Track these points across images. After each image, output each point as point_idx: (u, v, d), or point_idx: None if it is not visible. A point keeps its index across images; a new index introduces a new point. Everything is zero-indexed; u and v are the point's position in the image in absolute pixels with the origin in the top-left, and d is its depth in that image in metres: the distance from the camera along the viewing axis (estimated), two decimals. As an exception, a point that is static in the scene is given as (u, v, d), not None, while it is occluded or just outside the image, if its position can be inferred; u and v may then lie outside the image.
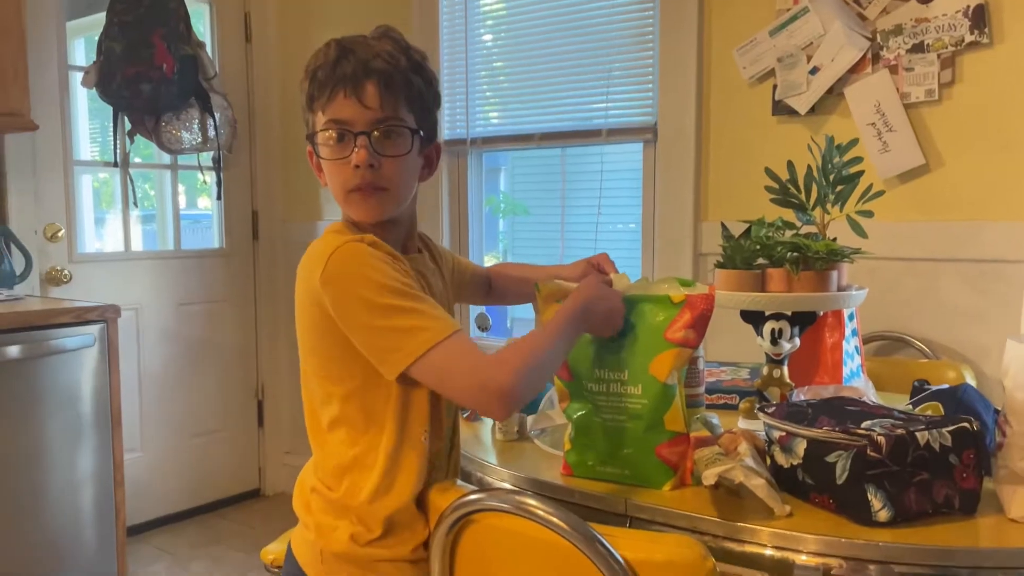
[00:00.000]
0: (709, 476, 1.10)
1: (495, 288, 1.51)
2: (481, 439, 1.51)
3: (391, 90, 1.12)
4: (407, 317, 1.04)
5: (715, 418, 1.44)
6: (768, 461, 1.19)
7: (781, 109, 2.25)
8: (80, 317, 2.34)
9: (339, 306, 1.06)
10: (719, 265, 1.49)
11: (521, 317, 2.88)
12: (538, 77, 2.77)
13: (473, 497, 1.02)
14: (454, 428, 1.25)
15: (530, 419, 1.51)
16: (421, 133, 1.16)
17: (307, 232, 3.39)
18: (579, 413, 1.26)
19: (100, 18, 2.90)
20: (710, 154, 2.41)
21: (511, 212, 3.15)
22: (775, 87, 2.25)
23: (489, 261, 3.11)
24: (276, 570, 1.51)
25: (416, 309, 1.06)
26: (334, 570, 1.14)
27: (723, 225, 1.57)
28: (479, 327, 2.99)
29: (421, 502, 1.15)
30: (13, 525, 2.20)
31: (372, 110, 1.11)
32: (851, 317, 1.66)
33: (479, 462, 1.38)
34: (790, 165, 1.51)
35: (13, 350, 2.18)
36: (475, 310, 3.02)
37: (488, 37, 2.90)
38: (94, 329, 2.37)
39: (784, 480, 1.14)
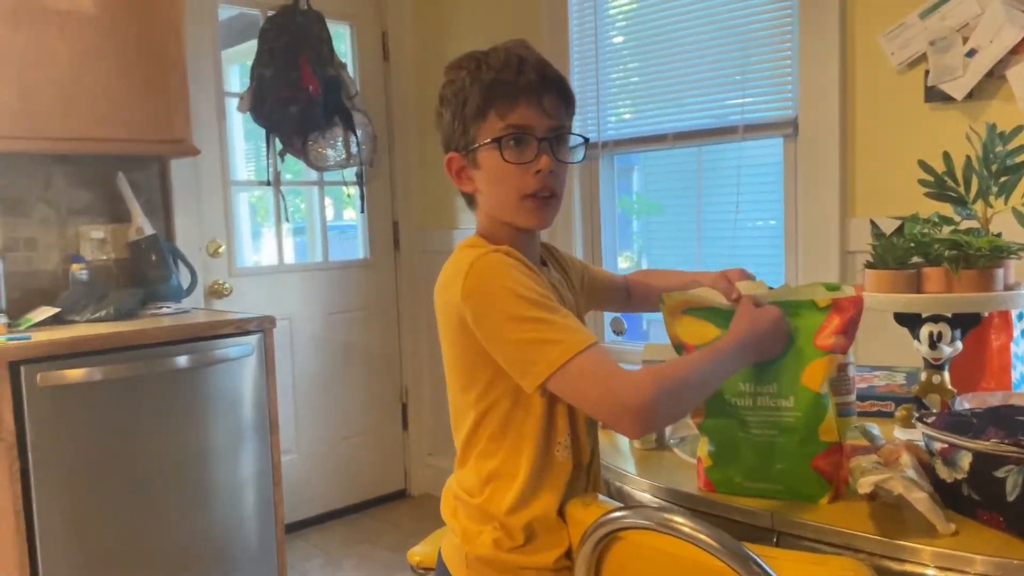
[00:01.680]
0: (864, 484, 1.05)
1: (634, 296, 1.50)
2: (619, 448, 1.50)
3: (565, 99, 1.17)
4: (545, 329, 1.05)
5: (875, 428, 1.36)
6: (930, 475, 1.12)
7: (935, 96, 2.11)
8: (240, 328, 2.50)
9: (480, 319, 1.08)
10: (869, 265, 1.42)
11: (658, 319, 2.83)
12: (671, 75, 2.72)
13: (616, 515, 1.00)
14: (594, 440, 1.25)
15: (668, 428, 1.49)
16: (587, 140, 1.19)
17: (444, 240, 3.48)
18: (720, 428, 1.23)
19: (252, 45, 3.09)
20: (856, 147, 2.29)
21: (645, 212, 3.11)
22: (927, 73, 2.11)
23: (623, 263, 3.08)
24: (422, 571, 1.55)
25: (554, 321, 1.06)
26: (479, 574, 1.16)
27: (872, 223, 1.49)
28: (614, 331, 2.98)
29: (562, 512, 1.15)
30: (183, 522, 2.38)
31: (551, 118, 1.15)
32: (1020, 317, 1.53)
33: (617, 471, 1.37)
34: (946, 156, 1.42)
35: (182, 360, 2.35)
36: (609, 313, 3.00)
37: (619, 38, 2.88)
38: (253, 339, 2.52)
39: (947, 495, 1.07)
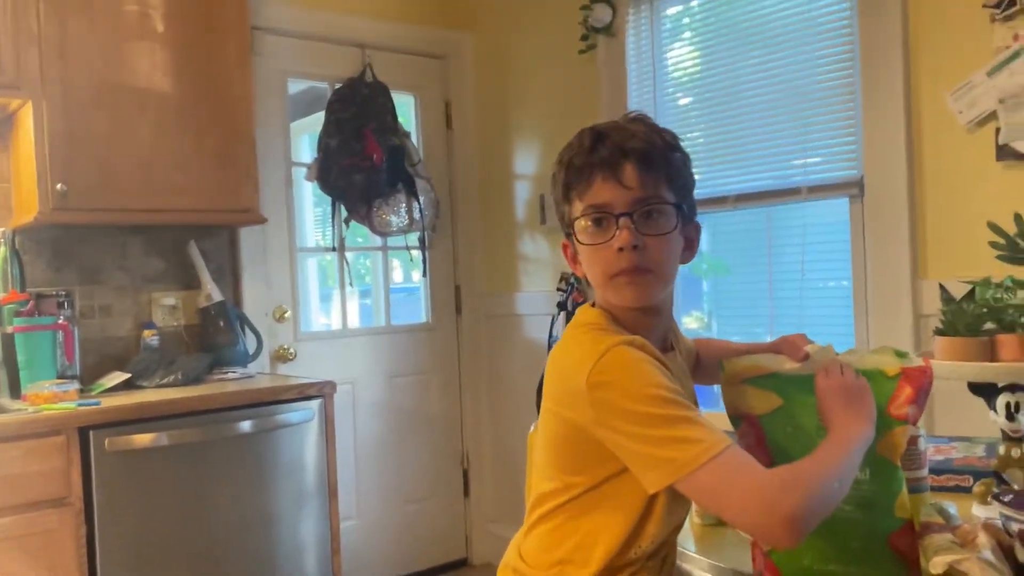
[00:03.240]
0: (938, 564, 0.98)
1: (702, 364, 1.43)
2: (679, 521, 1.45)
3: (650, 168, 1.10)
4: (681, 428, 0.99)
5: (952, 507, 1.28)
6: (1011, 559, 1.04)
7: (1006, 154, 2.04)
8: (302, 393, 2.53)
9: (605, 410, 1.02)
10: (939, 332, 1.36)
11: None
12: (732, 137, 2.70)
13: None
14: (675, 536, 1.21)
15: (730, 501, 1.42)
16: (684, 208, 1.14)
17: (506, 304, 3.48)
18: None
19: (320, 117, 3.20)
20: (926, 207, 2.22)
21: (713, 273, 3.07)
22: (998, 131, 2.05)
23: (692, 324, 3.03)
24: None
25: (690, 419, 1.00)
26: None
27: (942, 287, 1.43)
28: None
29: None
30: (245, 588, 2.38)
31: (632, 190, 1.09)
32: (1108, 387, 1.43)
33: (678, 549, 1.32)
34: (1018, 217, 1.36)
35: (245, 425, 2.38)
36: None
37: (685, 100, 2.88)
38: (314, 404, 2.55)
39: (1030, 582, 0.99)
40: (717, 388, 1.24)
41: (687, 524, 1.43)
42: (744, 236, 2.90)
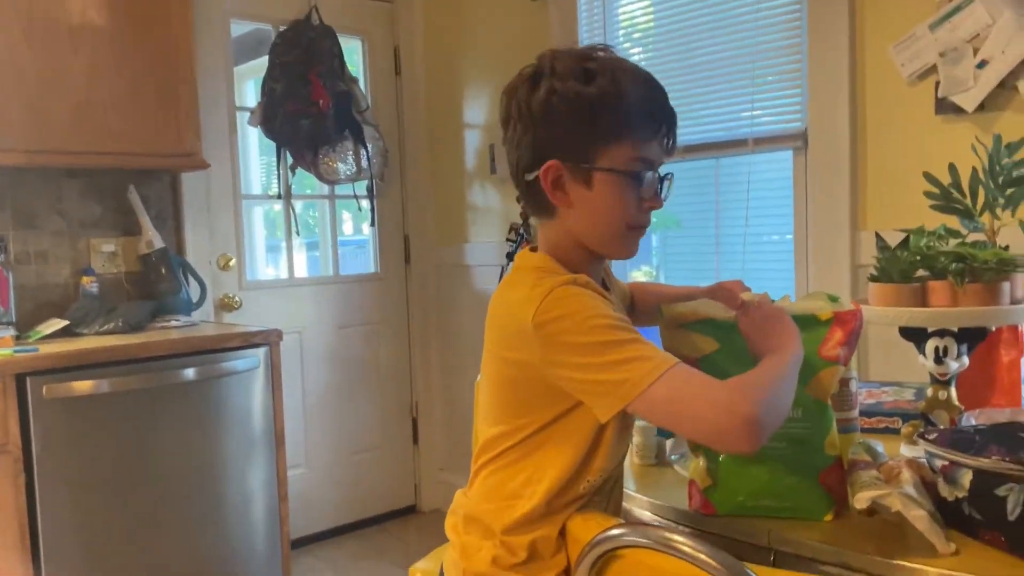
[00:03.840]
0: (861, 500, 1.03)
1: (637, 306, 1.47)
2: (620, 463, 1.48)
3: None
4: (630, 349, 1.00)
5: (879, 445, 1.33)
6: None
7: (946, 107, 2.08)
8: (248, 341, 2.50)
9: (553, 347, 1.03)
10: (873, 279, 1.40)
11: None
12: (681, 88, 2.71)
13: (615, 532, 0.98)
14: (621, 467, 1.23)
15: (669, 443, 1.46)
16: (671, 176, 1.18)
17: (456, 255, 3.47)
18: None
19: (264, 61, 3.11)
20: (867, 159, 2.26)
21: (663, 226, 3.10)
22: (938, 84, 2.09)
23: (640, 277, 3.06)
24: (423, 588, 1.53)
25: (637, 340, 1.01)
26: None
27: (878, 236, 1.47)
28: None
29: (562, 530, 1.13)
30: (190, 535, 2.37)
31: (667, 156, 1.15)
32: (1031, 332, 1.50)
33: (617, 487, 1.35)
34: (952, 168, 1.40)
35: (189, 372, 2.35)
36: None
37: (636, 50, 2.87)
38: (260, 352, 2.52)
39: (949, 514, 1.04)
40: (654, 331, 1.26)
41: (626, 464, 1.46)
42: (694, 191, 2.93)
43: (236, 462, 2.47)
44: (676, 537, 0.92)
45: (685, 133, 2.71)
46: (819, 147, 2.34)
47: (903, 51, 2.15)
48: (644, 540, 0.96)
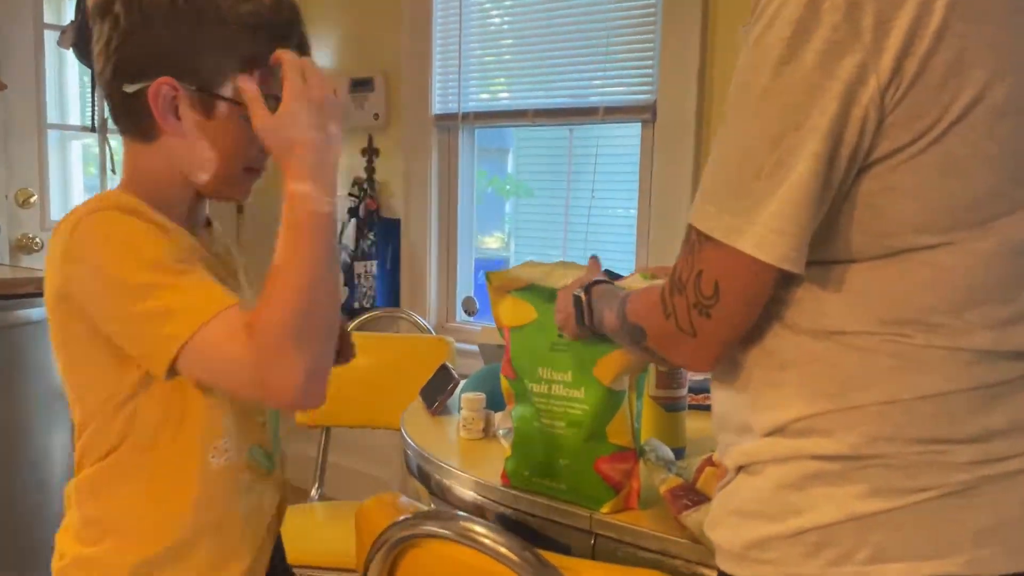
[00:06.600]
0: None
1: None
2: (444, 436, 1.40)
3: None
4: (165, 295, 0.83)
5: (663, 448, 1.23)
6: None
7: (788, 91, 2.12)
8: (41, 288, 2.23)
9: (87, 291, 0.87)
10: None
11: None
12: (536, 51, 2.64)
13: (410, 520, 0.89)
14: (274, 439, 1.04)
15: (497, 416, 1.39)
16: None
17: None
18: (521, 417, 1.15)
19: (81, -24, 2.78)
20: (712, 134, 2.28)
21: (516, 194, 3.05)
22: (783, 68, 2.12)
23: (494, 244, 2.99)
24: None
25: (178, 285, 0.84)
26: None
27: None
28: (466, 311, 2.88)
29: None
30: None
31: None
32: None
33: (438, 464, 1.27)
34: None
35: (-29, 320, 2.08)
36: (462, 292, 2.90)
37: (492, 12, 2.77)
38: (58, 301, 2.27)
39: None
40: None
41: (452, 437, 1.39)
42: (547, 160, 2.89)
43: (34, 418, 2.26)
44: (476, 528, 0.86)
45: (538, 96, 2.65)
46: (666, 122, 2.34)
47: (751, 31, 2.16)
48: (441, 530, 0.89)
